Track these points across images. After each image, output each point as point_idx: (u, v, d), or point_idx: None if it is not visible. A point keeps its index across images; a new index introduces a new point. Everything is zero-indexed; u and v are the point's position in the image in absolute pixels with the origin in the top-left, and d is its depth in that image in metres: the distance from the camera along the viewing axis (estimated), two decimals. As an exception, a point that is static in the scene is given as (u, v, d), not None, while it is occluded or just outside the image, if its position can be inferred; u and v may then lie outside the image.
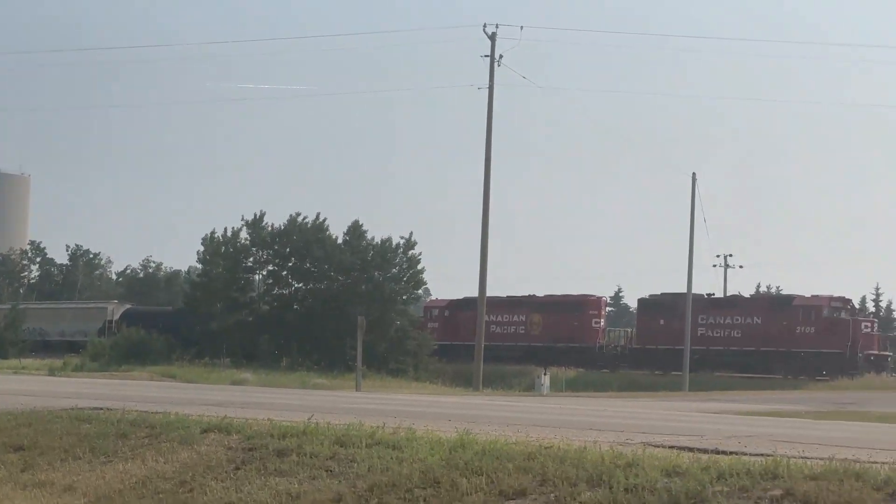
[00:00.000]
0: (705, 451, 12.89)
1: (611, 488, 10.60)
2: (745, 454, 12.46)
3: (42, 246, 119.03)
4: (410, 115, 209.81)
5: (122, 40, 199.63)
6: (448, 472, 11.76)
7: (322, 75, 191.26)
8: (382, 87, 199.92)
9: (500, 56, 55.75)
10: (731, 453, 12.58)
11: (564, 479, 11.03)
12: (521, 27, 56.58)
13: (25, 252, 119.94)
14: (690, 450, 13.00)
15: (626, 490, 10.50)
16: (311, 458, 13.24)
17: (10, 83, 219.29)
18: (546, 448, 12.46)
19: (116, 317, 75.11)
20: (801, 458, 11.75)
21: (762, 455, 12.07)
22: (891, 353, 70.25)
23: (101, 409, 18.98)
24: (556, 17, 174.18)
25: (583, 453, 11.96)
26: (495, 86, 55.59)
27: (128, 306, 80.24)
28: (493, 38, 55.74)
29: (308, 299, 68.18)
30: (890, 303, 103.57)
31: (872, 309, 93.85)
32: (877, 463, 11.24)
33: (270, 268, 69.69)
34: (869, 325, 66.54)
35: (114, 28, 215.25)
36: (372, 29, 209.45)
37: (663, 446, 13.59)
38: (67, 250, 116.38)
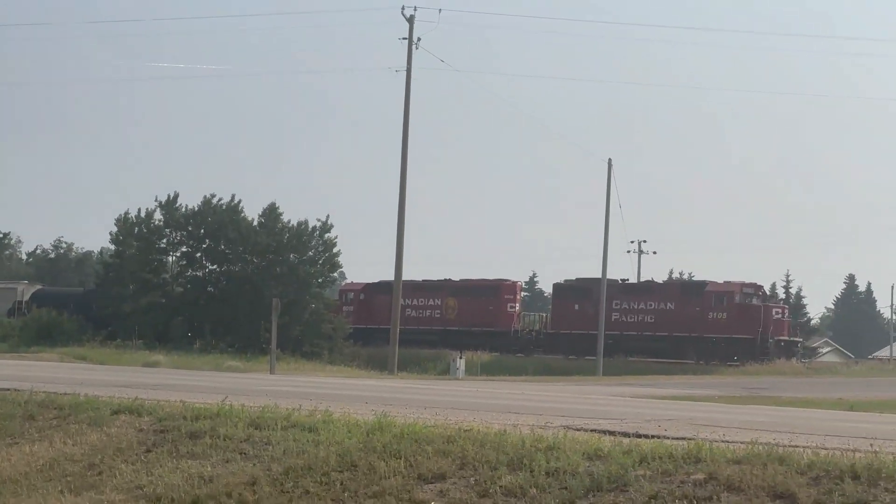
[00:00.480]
0: (626, 434, 12.80)
1: (532, 472, 10.45)
2: (667, 438, 12.37)
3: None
4: (328, 97, 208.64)
5: (31, 14, 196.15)
6: (365, 456, 11.54)
7: (238, 55, 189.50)
8: (300, 68, 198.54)
9: (419, 39, 55.53)
10: (652, 437, 12.48)
11: (485, 463, 10.86)
12: (440, 10, 56.45)
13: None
14: (611, 433, 12.89)
15: (547, 474, 10.35)
16: (224, 440, 12.95)
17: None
18: (465, 431, 12.28)
19: (26, 297, 73.82)
20: (723, 441, 11.69)
21: (683, 439, 12.00)
22: (800, 339, 71.26)
23: (8, 390, 18.49)
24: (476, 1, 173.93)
25: (503, 437, 11.80)
26: (413, 69, 55.33)
27: (38, 287, 78.90)
28: (411, 20, 55.47)
29: (222, 281, 67.50)
30: (800, 289, 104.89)
31: (783, 295, 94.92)
32: (798, 447, 11.18)
33: (184, 249, 68.81)
34: (780, 311, 67.40)
35: (18, 1, 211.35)
36: (290, 9, 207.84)
37: (584, 430, 13.46)
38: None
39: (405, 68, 55.14)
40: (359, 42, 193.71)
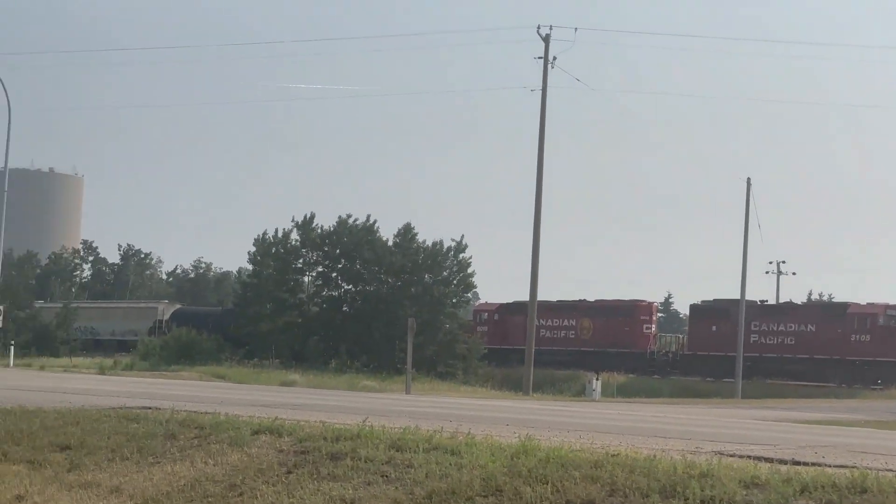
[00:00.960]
0: (782, 461, 12.23)
1: (686, 500, 10.00)
2: (826, 465, 11.81)
3: (94, 245, 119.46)
4: (463, 116, 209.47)
5: (171, 39, 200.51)
6: (511, 480, 11.19)
7: (374, 75, 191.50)
8: (434, 88, 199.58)
9: (554, 58, 55.11)
10: (811, 464, 11.93)
11: (635, 490, 10.43)
12: (576, 29, 55.97)
13: (78, 251, 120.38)
14: (767, 460, 12.35)
15: (702, 502, 9.89)
16: (366, 462, 12.68)
17: (62, 85, 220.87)
18: (613, 456, 11.86)
19: (167, 316, 75.21)
20: (887, 470, 11.10)
21: (844, 467, 11.43)
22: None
23: (150, 408, 18.57)
24: (611, 19, 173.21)
25: (653, 462, 11.36)
26: (549, 87, 54.95)
27: (178, 306, 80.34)
28: (546, 39, 55.12)
29: (357, 301, 67.86)
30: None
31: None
32: (972, 478, 10.54)
33: (320, 269, 69.46)
34: (927, 333, 65.35)
35: (163, 27, 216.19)
36: (425, 30, 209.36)
37: (736, 455, 12.94)
38: (119, 250, 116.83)
39: (541, 87, 54.82)
40: (495, 62, 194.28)
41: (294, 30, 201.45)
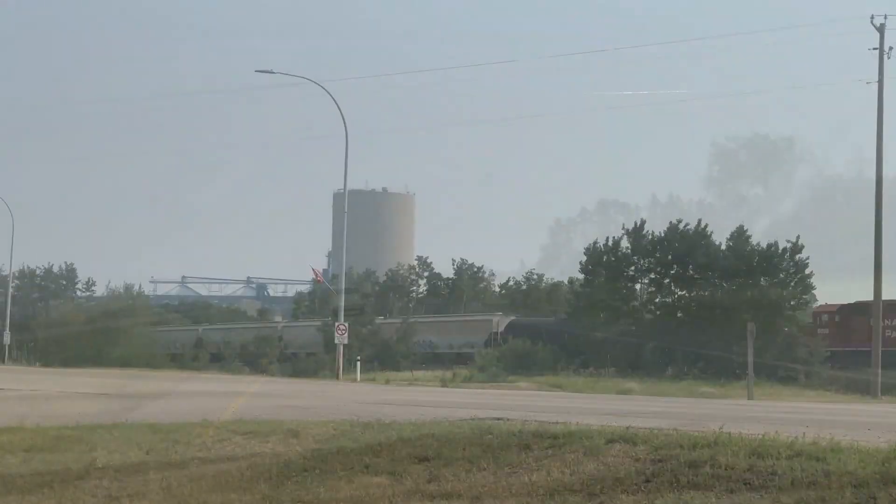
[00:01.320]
0: None
1: None
2: None
3: (428, 261, 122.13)
4: (792, 110, 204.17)
5: (488, 55, 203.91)
6: (885, 487, 10.70)
7: (700, 77, 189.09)
8: (760, 87, 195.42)
9: (891, 48, 53.03)
10: None
11: None
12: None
13: (413, 267, 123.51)
14: None
15: None
16: (726, 470, 12.41)
17: (389, 105, 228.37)
18: None
19: (501, 328, 76.21)
20: None
21: None
22: None
23: (500, 419, 18.81)
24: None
25: None
26: (886, 79, 52.85)
27: (512, 318, 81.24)
28: (881, 29, 53.04)
29: (692, 306, 66.97)
30: None
31: None
32: None
33: (652, 276, 68.94)
34: None
35: (463, 48, 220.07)
36: (744, 28, 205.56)
37: None
38: (453, 264, 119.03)
39: (877, 80, 52.78)
40: (824, 53, 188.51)
41: (614, 38, 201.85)
